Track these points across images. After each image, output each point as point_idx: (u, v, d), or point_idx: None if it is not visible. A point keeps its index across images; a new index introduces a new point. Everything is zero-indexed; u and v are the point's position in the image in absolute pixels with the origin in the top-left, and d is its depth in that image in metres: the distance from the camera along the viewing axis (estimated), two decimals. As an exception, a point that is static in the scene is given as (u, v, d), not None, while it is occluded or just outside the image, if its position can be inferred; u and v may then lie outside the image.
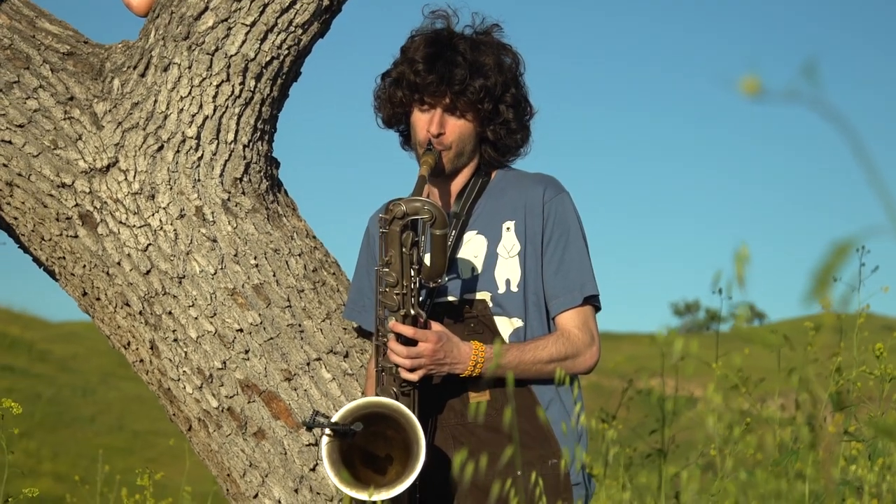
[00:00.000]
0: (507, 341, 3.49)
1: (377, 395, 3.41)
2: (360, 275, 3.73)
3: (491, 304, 3.52)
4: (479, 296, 3.53)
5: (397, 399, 3.37)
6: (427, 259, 3.44)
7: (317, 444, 3.75)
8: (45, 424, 21.40)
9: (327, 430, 3.28)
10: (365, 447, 3.35)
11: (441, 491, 3.47)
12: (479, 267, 3.55)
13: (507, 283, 3.53)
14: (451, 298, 3.54)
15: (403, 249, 3.32)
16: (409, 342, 3.34)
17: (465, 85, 3.51)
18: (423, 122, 3.56)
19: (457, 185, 3.65)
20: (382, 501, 3.23)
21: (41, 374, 24.01)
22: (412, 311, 3.35)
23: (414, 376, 3.36)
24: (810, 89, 1.05)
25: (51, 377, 23.92)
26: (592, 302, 3.56)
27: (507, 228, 3.56)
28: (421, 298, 3.48)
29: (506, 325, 3.52)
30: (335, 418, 3.29)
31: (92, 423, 21.61)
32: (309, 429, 3.39)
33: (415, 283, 3.34)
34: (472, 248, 3.57)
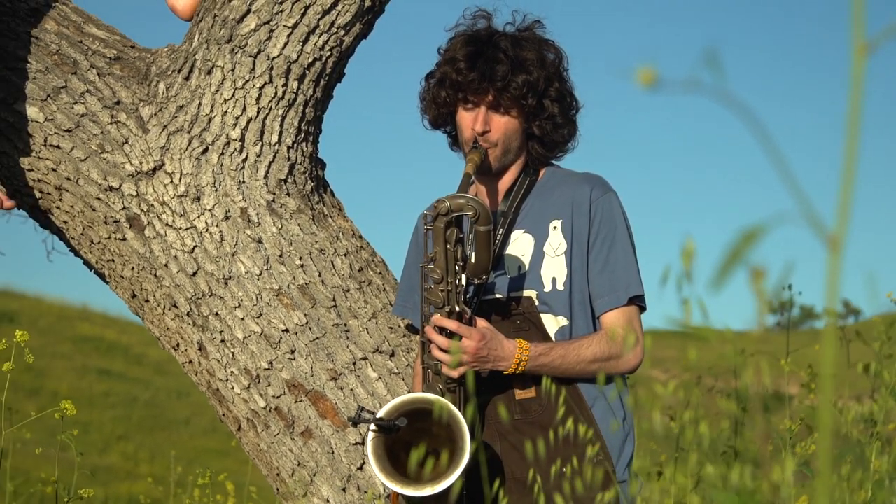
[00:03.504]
0: (553, 339, 3.48)
1: (423, 392, 3.41)
2: (410, 272, 3.73)
3: (537, 303, 3.50)
4: (526, 293, 3.52)
5: (443, 396, 3.37)
6: (472, 256, 3.43)
7: (363, 442, 3.76)
8: (143, 427, 21.68)
9: (372, 426, 3.29)
10: (411, 443, 3.35)
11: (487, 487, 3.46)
12: (526, 265, 3.53)
13: (554, 281, 3.51)
14: (498, 296, 3.53)
15: (448, 246, 3.31)
16: (453, 338, 3.34)
17: (507, 81, 3.50)
18: (469, 120, 3.56)
19: (504, 183, 3.64)
20: (427, 497, 3.23)
21: (138, 378, 24.36)
22: (457, 308, 3.34)
23: (456, 373, 3.36)
24: (711, 78, 1.02)
25: (147, 380, 24.26)
26: (637, 302, 3.53)
27: (554, 227, 3.54)
28: (468, 296, 3.47)
29: (551, 324, 3.50)
30: (380, 414, 3.30)
31: (187, 425, 21.87)
32: (354, 424, 3.40)
33: (459, 280, 3.34)
34: (519, 246, 3.56)
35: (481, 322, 3.39)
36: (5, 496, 5.66)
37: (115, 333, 26.77)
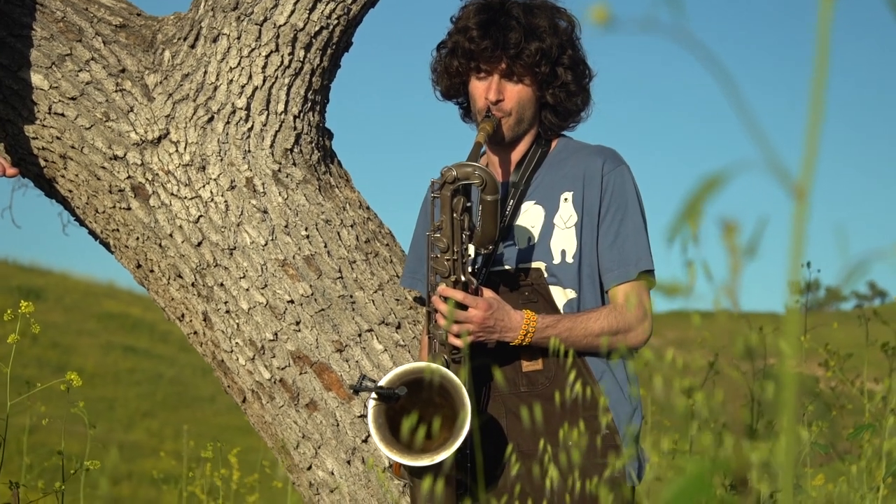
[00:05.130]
0: (561, 312, 3.44)
1: (428, 362, 3.38)
2: (418, 243, 3.69)
3: (546, 274, 3.46)
4: (535, 265, 3.48)
5: (448, 366, 3.33)
6: (479, 226, 3.39)
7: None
8: (167, 404, 21.75)
9: (373, 394, 3.26)
10: (412, 413, 3.32)
11: (494, 459, 3.43)
12: (536, 237, 3.49)
13: (563, 253, 3.47)
14: (506, 267, 3.49)
15: (455, 215, 3.27)
16: (459, 308, 3.30)
17: (520, 48, 3.45)
18: (481, 89, 3.51)
19: (517, 153, 3.59)
20: (428, 466, 3.20)
21: (163, 355, 24.42)
22: (462, 278, 3.30)
23: (459, 342, 3.32)
24: (670, 17, 0.97)
25: (172, 357, 24.32)
26: (647, 277, 3.48)
27: (565, 199, 3.50)
28: (476, 266, 3.43)
29: (560, 296, 3.46)
30: (382, 382, 3.27)
31: (212, 402, 21.91)
32: (356, 392, 3.37)
33: (466, 249, 3.30)
34: (530, 217, 3.52)
35: (488, 292, 3.35)
36: (22, 470, 5.65)
37: (141, 310, 26.83)
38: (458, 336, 3.31)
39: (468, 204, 3.29)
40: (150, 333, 25.67)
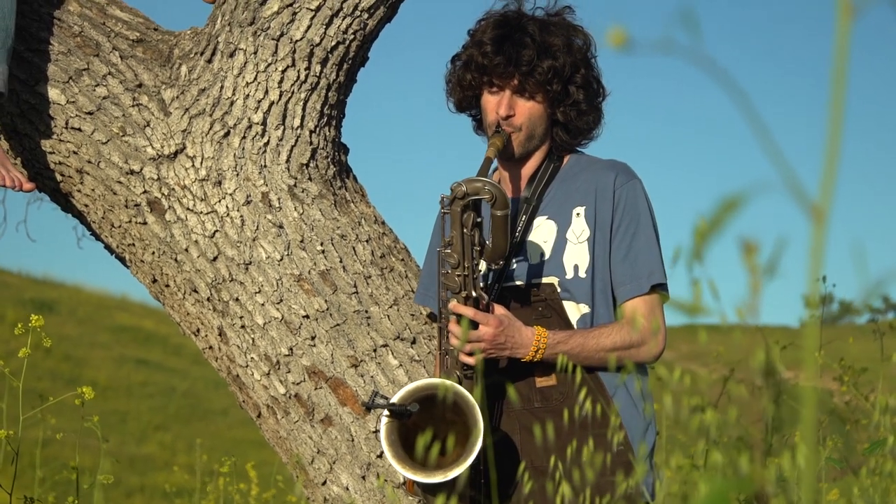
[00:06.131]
0: (574, 327, 3.43)
1: (441, 378, 3.38)
2: (432, 259, 3.69)
3: (559, 290, 3.46)
4: (548, 280, 3.48)
5: (460, 383, 3.33)
6: (490, 241, 3.39)
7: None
8: (180, 417, 21.74)
9: (385, 411, 3.26)
10: (425, 429, 3.32)
11: (507, 475, 3.42)
12: (548, 252, 3.49)
13: (576, 268, 3.47)
14: (519, 283, 3.49)
15: (465, 230, 3.27)
16: (471, 324, 3.30)
17: (532, 66, 3.45)
18: (493, 104, 3.52)
19: (528, 169, 3.60)
20: (441, 483, 3.20)
21: (175, 368, 24.41)
22: (473, 294, 3.30)
23: (473, 360, 3.31)
24: (687, 39, 0.97)
25: (184, 371, 24.29)
26: (660, 290, 3.48)
27: (577, 214, 3.50)
28: (489, 282, 3.44)
29: (573, 311, 3.46)
30: (395, 399, 3.27)
31: (225, 415, 21.90)
32: (368, 409, 3.38)
33: (477, 265, 3.30)
34: (542, 232, 3.52)
35: (499, 309, 3.35)
36: (34, 483, 5.65)
37: (154, 323, 26.84)
38: (470, 354, 3.31)
39: (478, 219, 3.29)
40: (163, 346, 25.67)
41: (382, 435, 3.27)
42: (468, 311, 3.28)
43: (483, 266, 3.34)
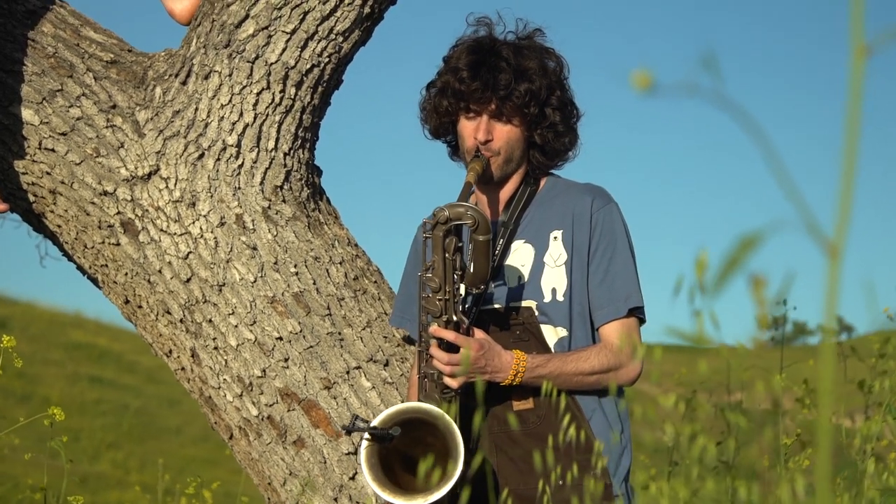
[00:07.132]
0: (552, 350, 3.45)
1: (419, 401, 3.39)
2: (408, 282, 3.70)
3: (537, 313, 3.48)
4: (526, 304, 3.50)
5: (439, 406, 3.34)
6: (471, 265, 3.41)
7: (356, 452, 3.72)
8: (133, 435, 21.59)
9: (366, 435, 3.27)
10: (405, 453, 3.33)
11: (485, 498, 3.43)
12: (526, 275, 3.51)
13: (553, 292, 3.49)
14: (497, 306, 3.51)
15: (446, 255, 3.29)
16: (450, 348, 3.31)
17: (510, 90, 3.48)
18: (471, 129, 3.54)
19: (506, 193, 3.62)
20: None
21: (129, 385, 24.22)
22: (454, 318, 3.32)
23: (454, 382, 3.33)
24: (708, 82, 1.00)
25: (138, 388, 24.13)
26: (637, 314, 3.51)
27: (555, 238, 3.52)
28: (467, 305, 3.45)
29: (551, 334, 3.48)
30: (375, 422, 3.28)
31: (178, 434, 21.78)
32: (348, 433, 3.38)
33: (458, 289, 3.32)
34: (520, 256, 3.54)
35: (479, 333, 3.37)
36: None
37: (108, 340, 26.64)
38: (452, 376, 3.32)
39: (459, 244, 3.31)
40: (117, 364, 25.48)
41: (362, 458, 3.27)
42: (449, 335, 3.30)
43: (463, 290, 3.36)
